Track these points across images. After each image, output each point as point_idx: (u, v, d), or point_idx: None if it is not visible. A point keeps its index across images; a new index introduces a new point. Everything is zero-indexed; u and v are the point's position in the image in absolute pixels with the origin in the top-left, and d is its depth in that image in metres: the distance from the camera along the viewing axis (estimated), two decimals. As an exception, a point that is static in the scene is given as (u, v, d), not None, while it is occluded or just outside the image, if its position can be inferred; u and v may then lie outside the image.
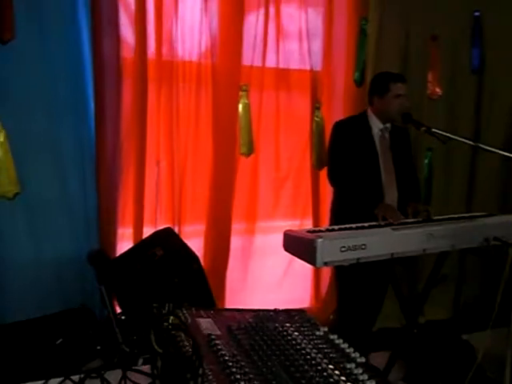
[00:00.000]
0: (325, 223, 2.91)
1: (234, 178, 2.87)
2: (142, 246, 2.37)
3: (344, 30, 3.02)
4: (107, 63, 2.38)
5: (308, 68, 2.99)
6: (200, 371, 0.90)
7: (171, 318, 1.09)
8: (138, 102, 2.53)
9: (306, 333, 1.30)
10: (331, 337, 1.29)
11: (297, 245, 1.99)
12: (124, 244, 2.61)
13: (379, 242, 1.98)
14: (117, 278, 2.06)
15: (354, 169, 2.49)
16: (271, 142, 3.04)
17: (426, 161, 3.32)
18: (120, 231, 2.62)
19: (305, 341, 1.24)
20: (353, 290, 2.57)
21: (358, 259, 1.95)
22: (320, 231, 2.05)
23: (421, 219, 2.31)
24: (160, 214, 2.74)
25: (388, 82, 2.48)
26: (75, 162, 2.39)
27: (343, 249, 1.88)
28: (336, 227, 2.14)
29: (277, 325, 1.30)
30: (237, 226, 3.03)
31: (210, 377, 0.96)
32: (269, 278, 3.15)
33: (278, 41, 2.89)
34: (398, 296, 2.43)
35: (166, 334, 1.12)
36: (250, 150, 2.88)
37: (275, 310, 1.43)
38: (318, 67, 3.03)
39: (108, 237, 2.51)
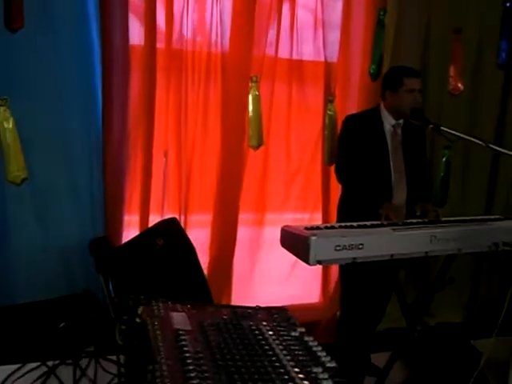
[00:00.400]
0: (335, 218, 2.85)
1: (241, 170, 2.84)
2: (145, 236, 2.39)
3: (361, 20, 2.92)
4: (116, 52, 2.38)
5: (322, 59, 2.92)
6: (151, 367, 0.90)
7: (140, 309, 1.09)
8: (147, 92, 2.53)
9: (281, 333, 1.28)
10: (306, 338, 1.27)
11: (292, 241, 1.96)
12: (130, 232, 2.63)
13: (378, 242, 1.93)
14: (114, 267, 2.08)
15: (362, 165, 2.43)
16: (282, 135, 2.99)
17: (444, 159, 3.19)
18: (127, 219, 2.65)
19: (277, 341, 1.22)
20: (356, 289, 2.53)
21: (354, 259, 1.91)
22: (318, 228, 2.02)
23: (426, 220, 2.23)
24: (167, 203, 2.76)
25: (401, 76, 2.40)
26: (82, 150, 2.41)
27: (338, 247, 1.84)
28: (336, 225, 2.10)
29: (251, 323, 1.29)
30: (245, 217, 3.01)
31: (165, 372, 0.96)
32: (277, 271, 3.12)
33: (291, 30, 2.82)
34: (399, 299, 2.37)
35: (133, 327, 1.12)
36: (260, 142, 2.85)
37: (256, 308, 1.42)
38: (333, 59, 2.94)
39: (114, 224, 2.54)
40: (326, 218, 3.05)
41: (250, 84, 2.75)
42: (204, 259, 2.86)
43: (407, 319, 2.35)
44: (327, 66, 2.93)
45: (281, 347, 1.18)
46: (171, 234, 2.29)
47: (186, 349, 1.05)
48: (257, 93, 2.79)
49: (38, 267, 2.30)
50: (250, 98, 2.78)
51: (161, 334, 1.07)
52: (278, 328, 1.30)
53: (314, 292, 3.23)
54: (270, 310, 1.41)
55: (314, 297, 3.24)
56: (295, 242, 1.92)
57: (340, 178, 2.55)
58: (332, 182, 3.06)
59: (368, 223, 2.13)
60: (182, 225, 2.77)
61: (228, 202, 2.84)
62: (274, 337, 1.24)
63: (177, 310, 1.27)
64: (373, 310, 2.61)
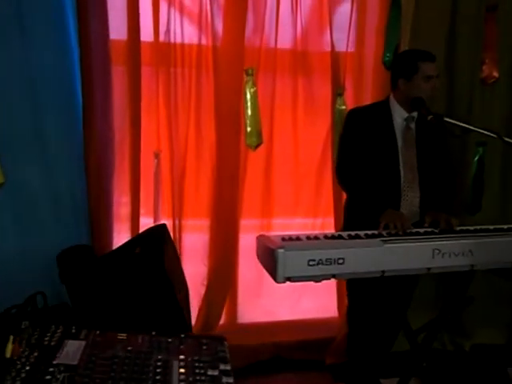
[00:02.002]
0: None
1: (240, 171, 2.62)
2: (127, 244, 2.24)
3: (374, 1, 2.60)
4: (95, 47, 2.24)
5: (329, 48, 2.62)
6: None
7: (9, 345, 0.92)
8: (131, 89, 2.38)
9: (196, 371, 1.05)
10: (224, 380, 1.04)
11: (264, 253, 1.72)
12: (121, 239, 2.50)
13: (362, 257, 1.64)
14: (79, 278, 1.95)
15: (365, 166, 2.13)
16: (287, 133, 2.73)
17: (476, 158, 2.78)
18: (117, 226, 2.52)
19: (182, 383, 1.00)
20: (363, 304, 2.23)
21: (333, 275, 1.63)
22: (298, 239, 1.76)
23: (431, 230, 1.90)
24: (160, 208, 2.60)
25: (416, 61, 2.08)
26: (62, 152, 2.29)
27: (312, 262, 1.58)
28: (321, 235, 1.83)
29: (161, 357, 1.07)
30: (250, 222, 2.79)
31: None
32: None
33: (293, 15, 2.55)
34: (403, 326, 2.04)
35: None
36: (258, 141, 2.61)
37: (182, 336, 1.20)
38: (342, 47, 2.64)
39: (100, 231, 2.41)
40: (338, 223, 2.75)
41: (245, 78, 2.53)
42: (202, 268, 2.70)
43: (413, 346, 2.02)
44: (335, 55, 2.63)
45: (183, 390, 0.96)
46: (150, 242, 2.12)
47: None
48: (254, 87, 2.55)
49: (14, 278, 2.19)
50: (247, 93, 2.56)
51: (28, 372, 0.88)
52: (196, 364, 1.07)
53: (330, 305, 2.93)
54: (200, 340, 1.19)
55: (330, 311, 2.94)
56: (266, 255, 1.68)
57: (340, 181, 2.26)
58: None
59: (363, 233, 1.84)
60: (178, 230, 2.63)
61: (226, 205, 2.63)
62: (182, 376, 1.02)
63: (77, 338, 1.08)
64: (383, 331, 2.29)
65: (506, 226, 2.01)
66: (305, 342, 2.76)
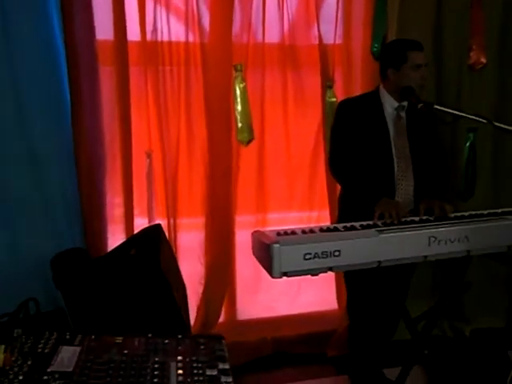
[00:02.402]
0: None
1: (233, 167, 2.61)
2: (122, 246, 2.22)
3: (360, -8, 2.60)
4: (81, 48, 2.21)
5: (317, 41, 2.60)
6: None
7: (2, 348, 0.91)
8: (120, 89, 2.35)
9: (194, 371, 1.04)
10: (223, 379, 1.03)
11: (259, 249, 1.70)
12: (116, 241, 2.48)
13: (358, 248, 1.64)
14: (75, 283, 1.93)
15: (358, 156, 2.12)
16: (278, 128, 2.72)
17: (467, 144, 2.77)
18: (111, 227, 2.50)
19: None
20: (362, 295, 2.23)
21: (330, 268, 1.63)
22: (293, 233, 1.75)
23: (426, 218, 1.90)
24: (154, 208, 2.58)
25: (405, 51, 2.07)
26: (51, 157, 2.26)
27: (308, 256, 1.57)
28: (317, 228, 1.82)
29: (158, 359, 1.06)
30: (245, 218, 2.78)
31: None
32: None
33: (280, 9, 2.53)
34: (403, 314, 2.04)
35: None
36: (250, 137, 2.59)
37: (179, 337, 1.19)
38: (329, 39, 2.62)
39: (93, 234, 2.39)
40: (333, 215, 2.74)
41: (234, 74, 2.51)
42: (199, 267, 2.69)
43: (413, 335, 2.02)
44: (323, 47, 2.61)
45: (182, 392, 0.95)
46: (145, 243, 2.10)
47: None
48: (243, 83, 2.54)
49: (6, 284, 2.16)
50: (237, 88, 2.54)
51: (21, 382, 0.87)
52: (194, 365, 1.06)
53: (329, 298, 2.93)
54: (197, 340, 1.18)
55: (330, 304, 2.94)
56: (261, 250, 1.67)
57: (333, 172, 2.25)
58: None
59: (358, 224, 1.83)
60: (173, 230, 2.61)
61: (221, 202, 2.61)
62: (180, 377, 1.01)
63: (72, 344, 1.07)
64: (383, 322, 2.30)
65: (500, 210, 2.01)
66: (305, 336, 2.76)
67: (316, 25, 2.58)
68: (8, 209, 2.21)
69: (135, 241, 2.24)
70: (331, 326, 2.82)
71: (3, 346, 0.92)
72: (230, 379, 1.02)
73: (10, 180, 2.20)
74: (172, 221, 2.59)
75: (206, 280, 2.66)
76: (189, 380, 1.00)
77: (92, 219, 2.38)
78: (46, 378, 0.92)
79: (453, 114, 1.73)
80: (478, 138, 2.79)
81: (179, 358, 1.08)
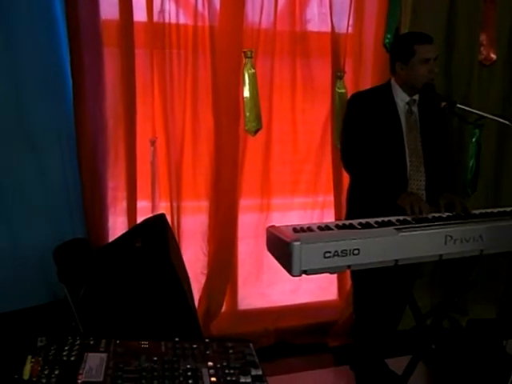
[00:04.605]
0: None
1: (239, 155, 2.54)
2: (125, 237, 2.15)
3: (374, -19, 2.53)
4: (84, 28, 2.10)
5: (329, 30, 2.54)
6: None
7: (27, 366, 0.84)
8: (125, 73, 2.26)
9: (227, 378, 1.01)
10: (258, 386, 1.00)
11: (276, 245, 1.67)
12: (117, 231, 2.40)
13: (377, 246, 1.61)
14: (81, 275, 1.87)
15: (371, 150, 2.10)
16: (286, 117, 2.66)
17: (473, 139, 2.76)
18: (113, 216, 2.42)
19: (217, 393, 0.95)
20: (368, 289, 2.23)
21: (348, 267, 1.60)
22: (309, 230, 1.71)
23: (438, 216, 1.89)
24: (158, 198, 2.51)
25: (412, 44, 2.03)
26: (52, 143, 2.17)
27: (328, 254, 1.54)
28: (333, 224, 1.78)
29: (189, 366, 1.02)
30: (249, 203, 2.72)
31: None
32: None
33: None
34: (411, 306, 2.04)
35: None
36: (258, 126, 2.53)
37: (207, 341, 1.15)
38: (342, 29, 2.56)
39: (95, 223, 2.31)
40: (338, 202, 2.72)
41: (243, 60, 2.43)
42: (202, 257, 2.65)
43: (422, 329, 2.03)
44: (335, 37, 2.55)
45: (219, 402, 0.92)
46: (151, 234, 2.04)
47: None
48: (252, 70, 2.46)
49: (7, 275, 2.09)
50: (246, 76, 2.46)
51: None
52: (226, 371, 1.03)
53: (331, 288, 2.93)
54: (225, 344, 1.14)
55: (331, 294, 2.94)
56: (279, 247, 1.64)
57: (346, 166, 2.22)
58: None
59: (373, 221, 1.81)
60: (176, 216, 2.54)
61: (225, 187, 2.55)
62: (215, 385, 0.97)
63: (97, 350, 1.02)
64: (388, 312, 2.31)
65: (509, 209, 2.02)
66: (307, 326, 2.76)
67: (329, 13, 2.51)
68: (7, 197, 2.12)
69: (139, 231, 2.18)
70: (332, 317, 2.83)
71: (30, 357, 0.87)
72: (265, 386, 0.99)
73: (10, 167, 2.10)
74: (175, 207, 2.53)
75: (209, 270, 2.62)
76: (222, 389, 0.96)
77: (93, 208, 2.31)
78: (78, 389, 0.88)
79: (476, 113, 1.69)
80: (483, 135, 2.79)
81: (210, 363, 1.05)
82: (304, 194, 2.78)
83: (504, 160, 2.89)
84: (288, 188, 2.76)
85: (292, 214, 2.75)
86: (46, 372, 0.90)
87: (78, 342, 1.02)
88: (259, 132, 2.56)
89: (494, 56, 2.70)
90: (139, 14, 2.27)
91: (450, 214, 1.91)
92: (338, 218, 2.69)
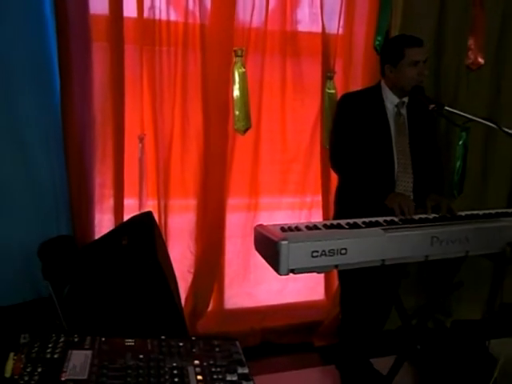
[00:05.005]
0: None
1: (228, 154, 2.53)
2: (112, 234, 2.13)
3: (365, -17, 2.54)
4: (73, 22, 2.08)
5: (320, 30, 2.54)
6: None
7: (9, 362, 0.83)
8: (114, 69, 2.23)
9: (213, 376, 1.00)
10: (245, 384, 0.99)
11: (264, 245, 1.67)
12: (103, 228, 2.38)
13: (364, 246, 1.62)
14: (66, 273, 1.84)
15: (359, 151, 2.11)
16: (275, 117, 2.65)
17: (460, 142, 2.79)
18: (100, 214, 2.40)
19: (202, 391, 0.94)
20: (355, 290, 2.25)
21: (335, 266, 1.61)
22: (297, 229, 1.71)
23: (431, 216, 1.91)
24: (145, 192, 2.49)
25: (402, 47, 2.05)
26: (39, 138, 2.14)
27: (315, 254, 1.55)
28: (321, 224, 1.79)
29: (175, 364, 1.01)
30: (237, 202, 2.72)
31: None
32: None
33: (283, -4, 2.46)
34: (396, 306, 2.06)
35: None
36: (247, 125, 2.52)
37: (193, 339, 1.14)
38: (332, 29, 2.57)
39: (81, 220, 2.28)
40: (326, 202, 2.73)
41: (234, 59, 2.42)
42: (189, 255, 2.63)
43: (407, 329, 2.04)
44: (325, 37, 2.56)
45: (204, 401, 0.91)
46: (138, 232, 2.02)
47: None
48: (243, 69, 2.46)
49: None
50: (236, 74, 2.46)
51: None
52: (213, 369, 1.02)
53: (318, 288, 2.93)
54: (211, 342, 1.13)
55: (318, 294, 2.95)
56: (266, 246, 1.63)
57: (335, 166, 2.23)
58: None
59: (361, 221, 1.82)
60: (163, 214, 2.53)
61: (213, 186, 2.54)
62: (201, 383, 0.97)
63: (82, 348, 1.01)
64: (375, 312, 2.33)
65: (494, 211, 2.04)
66: (293, 326, 2.76)
67: (320, 14, 2.52)
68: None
69: (126, 229, 2.16)
70: (319, 317, 2.83)
71: (12, 354, 0.85)
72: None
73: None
74: (163, 205, 2.51)
75: (196, 269, 2.61)
76: (209, 388, 0.96)
77: (80, 205, 2.28)
78: (61, 387, 0.86)
79: (464, 116, 1.71)
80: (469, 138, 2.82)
81: (196, 362, 1.04)
82: (292, 194, 2.79)
83: (490, 162, 2.93)
84: (276, 188, 2.76)
85: (280, 214, 2.76)
86: (28, 370, 0.88)
87: (62, 339, 1.00)
88: (249, 132, 2.56)
89: (481, 61, 2.73)
90: (129, 10, 2.24)
91: (437, 216, 1.93)
92: (325, 218, 2.70)
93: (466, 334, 2.89)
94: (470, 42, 2.71)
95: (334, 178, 2.53)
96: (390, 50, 2.11)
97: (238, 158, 2.60)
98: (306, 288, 2.87)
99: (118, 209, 2.39)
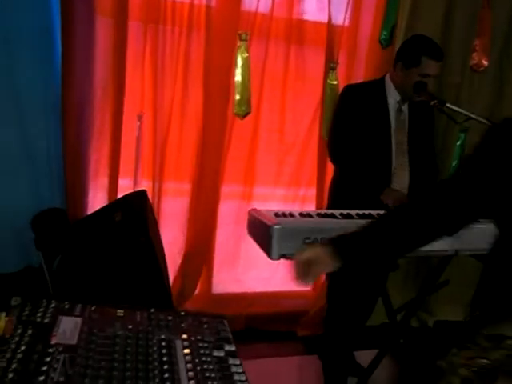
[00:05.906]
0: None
1: (226, 138, 2.53)
2: (105, 210, 2.13)
3: (374, -24, 2.53)
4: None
5: (326, 20, 2.53)
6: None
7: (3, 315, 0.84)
8: (117, 44, 2.21)
9: (200, 351, 1.01)
10: (231, 361, 1.01)
11: (257, 229, 1.67)
12: (96, 204, 2.37)
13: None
14: (59, 244, 1.84)
15: (358, 144, 2.11)
16: (275, 104, 2.65)
17: (458, 143, 2.81)
18: (93, 190, 2.39)
19: (189, 365, 0.95)
20: (342, 282, 2.26)
21: (327, 255, 1.61)
22: (290, 215, 1.72)
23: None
24: (140, 172, 2.48)
25: (421, 54, 2.01)
26: (37, 108, 2.11)
27: (307, 240, 1.55)
28: (314, 212, 1.80)
29: (163, 337, 1.02)
30: (231, 190, 2.72)
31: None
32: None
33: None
34: (384, 301, 2.08)
35: None
36: (247, 110, 2.52)
37: (182, 314, 1.15)
38: (339, 20, 2.56)
39: (75, 195, 2.27)
40: (320, 196, 2.74)
41: (238, 43, 2.41)
42: (180, 237, 2.64)
43: (392, 324, 2.07)
44: (331, 27, 2.55)
45: (191, 374, 0.92)
46: (131, 209, 2.02)
47: (41, 379, 0.79)
48: (246, 54, 2.44)
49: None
50: (239, 59, 2.44)
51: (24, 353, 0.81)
52: (200, 345, 1.03)
53: (305, 279, 2.95)
54: (200, 319, 1.14)
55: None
56: (259, 230, 1.64)
57: (333, 157, 2.24)
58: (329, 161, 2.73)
59: (354, 212, 1.83)
60: (157, 194, 2.53)
61: (209, 170, 2.54)
62: (188, 357, 0.97)
63: (72, 314, 1.01)
64: (361, 305, 2.35)
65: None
66: (278, 314, 2.78)
67: (327, 3, 2.50)
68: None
69: (119, 206, 2.15)
70: (304, 306, 2.86)
71: (4, 314, 0.85)
72: (237, 362, 1.00)
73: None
74: (157, 186, 2.50)
75: (186, 251, 2.61)
76: (196, 360, 0.97)
77: (74, 179, 2.27)
78: (50, 350, 0.87)
79: (464, 114, 1.72)
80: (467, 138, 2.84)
81: (184, 336, 1.05)
82: (286, 185, 2.79)
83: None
84: (271, 178, 2.76)
85: (273, 205, 2.76)
86: (19, 331, 0.88)
87: (52, 304, 1.01)
88: (248, 117, 2.55)
89: (485, 62, 2.74)
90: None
91: None
92: (318, 210, 2.71)
93: (448, 334, 2.92)
94: (476, 43, 2.71)
95: (330, 171, 2.54)
96: (408, 50, 2.07)
97: (235, 144, 2.60)
98: (293, 277, 2.88)
99: (112, 187, 2.39)
